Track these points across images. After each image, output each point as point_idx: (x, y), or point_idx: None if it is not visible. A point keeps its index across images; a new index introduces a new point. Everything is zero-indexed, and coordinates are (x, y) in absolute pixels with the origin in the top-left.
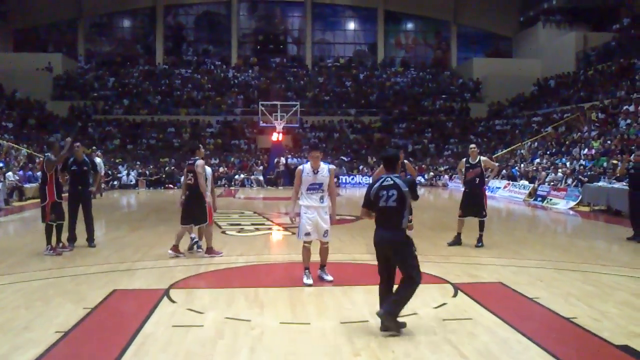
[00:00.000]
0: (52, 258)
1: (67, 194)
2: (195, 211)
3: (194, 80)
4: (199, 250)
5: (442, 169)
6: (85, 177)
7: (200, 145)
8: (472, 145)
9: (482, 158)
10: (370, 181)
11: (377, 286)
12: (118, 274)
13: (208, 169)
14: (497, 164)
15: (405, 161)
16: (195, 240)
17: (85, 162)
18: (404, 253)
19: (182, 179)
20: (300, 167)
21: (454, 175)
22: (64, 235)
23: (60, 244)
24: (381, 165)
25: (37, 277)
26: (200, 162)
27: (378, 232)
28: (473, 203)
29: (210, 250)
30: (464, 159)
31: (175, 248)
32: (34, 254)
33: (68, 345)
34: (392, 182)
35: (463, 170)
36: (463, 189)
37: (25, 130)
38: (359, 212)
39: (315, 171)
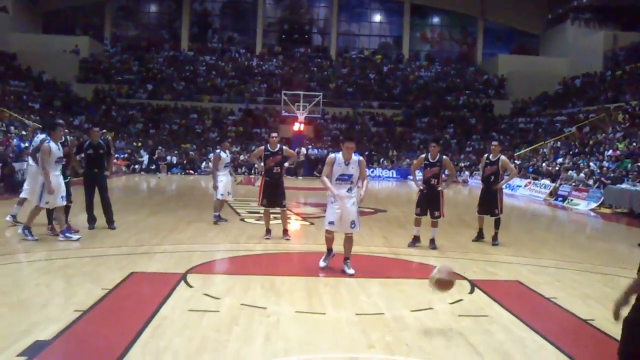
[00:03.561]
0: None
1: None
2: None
3: (218, 68)
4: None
5: (462, 165)
6: (101, 160)
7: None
8: (495, 142)
9: (502, 157)
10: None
11: (394, 279)
12: (136, 256)
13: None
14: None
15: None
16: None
17: (101, 145)
18: None
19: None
20: (332, 155)
21: (475, 172)
22: (83, 217)
23: (50, 227)
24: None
25: (57, 257)
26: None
27: None
28: (488, 200)
29: (285, 232)
30: (485, 155)
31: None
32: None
33: (86, 324)
34: None
35: (482, 166)
36: (481, 186)
37: (51, 112)
38: (378, 204)
39: (347, 162)
